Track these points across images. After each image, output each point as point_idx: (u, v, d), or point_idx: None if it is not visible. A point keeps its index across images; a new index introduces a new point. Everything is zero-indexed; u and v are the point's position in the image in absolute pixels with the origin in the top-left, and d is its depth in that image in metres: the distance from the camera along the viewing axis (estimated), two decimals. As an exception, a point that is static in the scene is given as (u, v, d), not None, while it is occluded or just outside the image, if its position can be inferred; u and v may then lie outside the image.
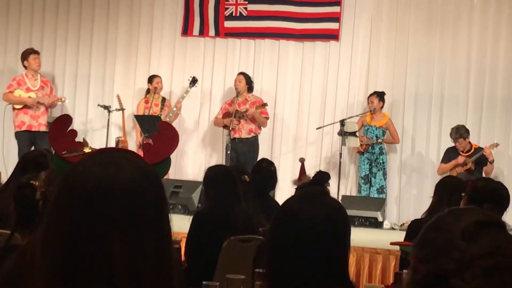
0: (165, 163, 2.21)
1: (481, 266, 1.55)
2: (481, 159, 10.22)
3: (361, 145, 10.80)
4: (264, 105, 10.96)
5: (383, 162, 10.90)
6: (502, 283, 1.55)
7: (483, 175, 10.06)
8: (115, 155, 1.57)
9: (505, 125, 10.88)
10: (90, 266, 1.46)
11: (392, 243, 5.31)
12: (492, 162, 10.19)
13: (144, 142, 10.38)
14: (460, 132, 10.25)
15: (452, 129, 10.34)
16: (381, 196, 10.75)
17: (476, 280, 1.53)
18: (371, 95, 10.92)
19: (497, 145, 10.24)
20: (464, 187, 4.40)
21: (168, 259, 1.55)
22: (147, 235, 1.51)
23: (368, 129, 10.93)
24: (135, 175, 1.53)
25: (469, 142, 10.35)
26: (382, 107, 10.92)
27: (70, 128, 2.30)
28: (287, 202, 2.53)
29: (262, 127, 11.12)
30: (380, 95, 10.88)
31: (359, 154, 10.98)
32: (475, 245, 1.57)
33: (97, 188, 1.50)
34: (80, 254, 1.47)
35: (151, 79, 11.55)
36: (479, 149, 10.26)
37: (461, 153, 10.34)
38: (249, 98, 11.10)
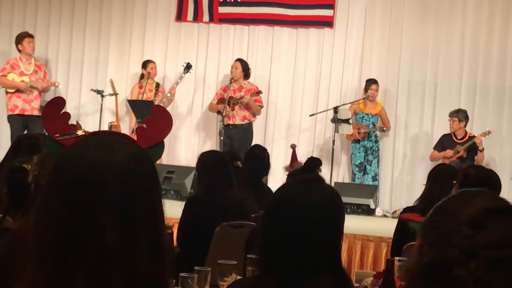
0: (159, 147, 2.20)
1: (487, 256, 1.52)
2: (473, 147, 10.26)
3: (359, 133, 10.81)
4: (259, 92, 10.95)
5: (378, 150, 10.95)
6: (507, 275, 1.52)
7: (475, 163, 10.10)
8: (108, 139, 1.57)
9: (497, 114, 10.90)
10: (82, 249, 1.46)
11: (403, 215, 5.30)
12: (482, 150, 10.23)
13: (137, 127, 10.36)
14: (458, 113, 10.30)
15: (454, 109, 10.42)
16: (375, 183, 10.79)
17: (481, 270, 1.50)
18: (374, 83, 10.85)
19: (488, 132, 10.29)
20: (457, 175, 4.41)
21: (160, 243, 1.55)
22: (140, 219, 1.51)
23: (363, 117, 10.93)
24: (128, 158, 1.53)
25: (465, 130, 10.40)
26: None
27: (63, 111, 2.29)
28: (281, 188, 2.53)
29: (256, 115, 11.12)
30: (378, 84, 10.89)
31: (355, 142, 10.97)
32: (483, 234, 1.53)
33: (90, 171, 1.50)
34: (72, 237, 1.47)
35: (145, 64, 11.53)
36: (473, 137, 10.30)
37: (454, 138, 10.38)
38: (245, 85, 11.08)
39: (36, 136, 5.92)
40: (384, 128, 10.85)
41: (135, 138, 2.16)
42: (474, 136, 10.30)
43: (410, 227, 4.95)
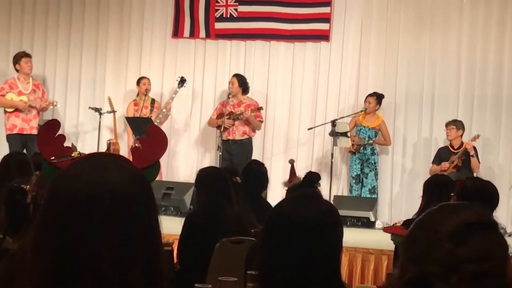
0: (154, 167, 2.21)
1: (469, 271, 1.50)
2: (468, 155, 10.30)
3: (352, 145, 10.81)
4: (260, 108, 10.98)
5: (375, 163, 10.91)
6: None
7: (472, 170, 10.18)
8: (103, 160, 1.57)
9: (495, 124, 10.91)
10: (79, 270, 1.47)
11: (385, 229, 5.32)
12: (473, 156, 10.25)
13: (136, 144, 10.36)
14: (455, 122, 10.35)
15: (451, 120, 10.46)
16: (373, 196, 10.77)
17: (463, 284, 1.49)
18: (370, 95, 10.87)
19: (478, 136, 10.33)
20: (452, 185, 4.41)
21: (158, 263, 1.55)
22: (136, 239, 1.51)
23: (360, 129, 10.93)
24: (124, 180, 1.53)
25: (462, 141, 10.42)
26: (377, 109, 10.92)
27: (58, 133, 2.29)
28: (280, 204, 2.54)
29: (256, 130, 11.14)
30: (379, 98, 10.86)
31: (351, 154, 10.98)
32: (463, 248, 1.52)
33: (86, 193, 1.50)
34: (69, 258, 1.47)
35: (138, 81, 11.57)
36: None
37: (450, 148, 10.40)
38: (244, 101, 11.09)
39: (21, 152, 5.89)
40: (371, 141, 10.79)
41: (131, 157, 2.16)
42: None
43: (392, 241, 4.96)
